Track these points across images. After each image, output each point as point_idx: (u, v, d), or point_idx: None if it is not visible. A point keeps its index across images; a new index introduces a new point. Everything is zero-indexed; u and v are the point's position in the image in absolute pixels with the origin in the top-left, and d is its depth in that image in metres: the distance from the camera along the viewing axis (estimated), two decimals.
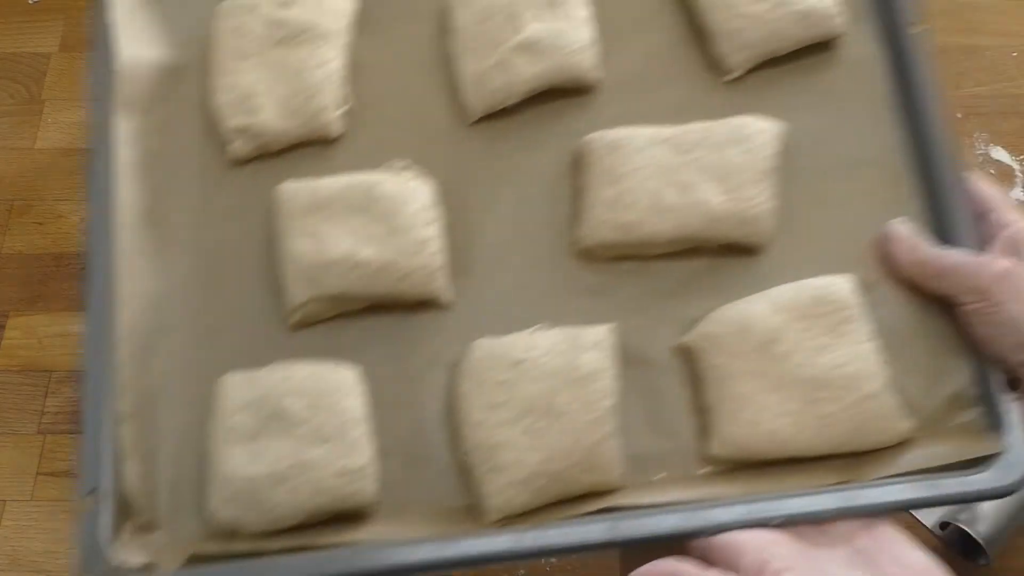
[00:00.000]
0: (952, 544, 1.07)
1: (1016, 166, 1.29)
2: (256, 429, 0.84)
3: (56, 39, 1.49)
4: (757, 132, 0.92)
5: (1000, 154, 1.30)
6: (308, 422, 0.84)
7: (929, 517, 1.09)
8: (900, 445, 0.85)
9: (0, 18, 1.36)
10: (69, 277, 1.37)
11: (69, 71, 1.49)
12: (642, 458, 0.86)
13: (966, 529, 1.04)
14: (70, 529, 0.84)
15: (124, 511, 0.85)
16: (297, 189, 0.92)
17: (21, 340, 1.35)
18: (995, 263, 0.85)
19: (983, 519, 1.05)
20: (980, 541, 1.03)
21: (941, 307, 0.89)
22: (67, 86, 1.48)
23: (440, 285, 0.90)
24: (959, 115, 1.32)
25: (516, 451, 0.83)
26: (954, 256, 0.87)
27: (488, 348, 0.87)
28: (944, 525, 1.07)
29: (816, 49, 0.98)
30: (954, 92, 1.33)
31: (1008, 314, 0.83)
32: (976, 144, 1.31)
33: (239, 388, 0.86)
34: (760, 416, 0.85)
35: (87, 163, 0.95)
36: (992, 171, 1.29)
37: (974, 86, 1.34)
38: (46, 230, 1.38)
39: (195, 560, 0.84)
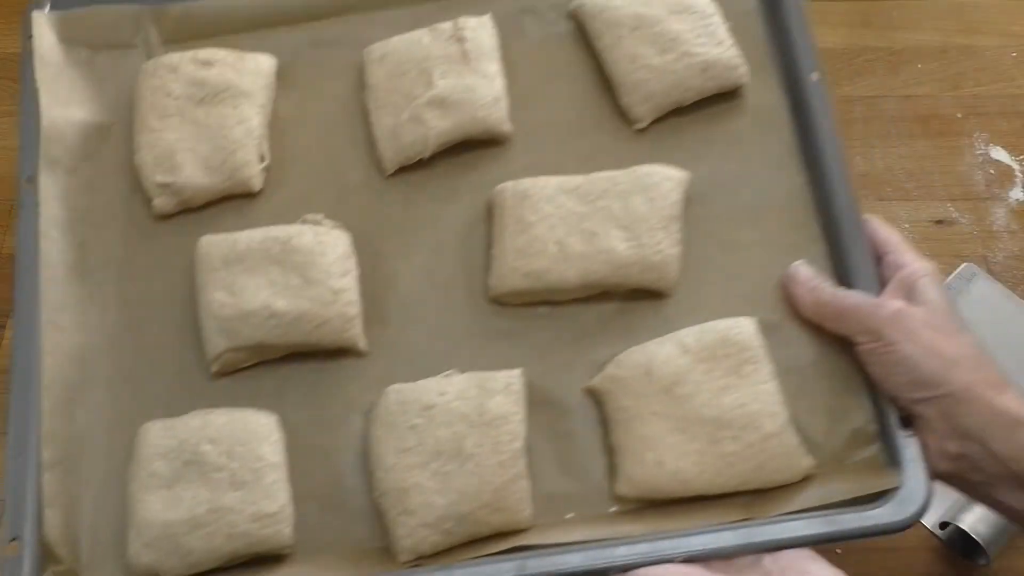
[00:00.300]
0: (952, 544, 1.08)
1: (1016, 166, 1.30)
2: (174, 476, 0.88)
3: None
4: (661, 180, 0.96)
5: (1000, 154, 1.31)
6: (225, 468, 0.88)
7: (929, 517, 1.09)
8: (802, 482, 0.89)
9: (0, 18, 1.38)
10: None
11: None
12: (552, 498, 0.90)
13: (966, 529, 1.04)
14: None
15: (46, 558, 0.89)
16: (216, 242, 0.96)
17: None
18: (888, 304, 0.89)
19: (983, 519, 1.03)
20: (980, 541, 1.04)
21: (842, 347, 0.93)
22: None
23: (355, 333, 0.94)
24: (959, 115, 1.33)
25: (426, 494, 0.87)
26: (852, 298, 0.91)
27: (400, 394, 0.91)
28: (944, 525, 1.08)
29: (721, 98, 1.03)
30: (954, 92, 1.35)
31: (901, 353, 0.87)
32: (976, 144, 1.31)
33: (158, 436, 0.90)
34: (664, 456, 0.88)
35: (16, 221, 0.99)
36: (992, 171, 1.30)
37: (974, 86, 1.35)
38: None
39: None
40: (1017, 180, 1.30)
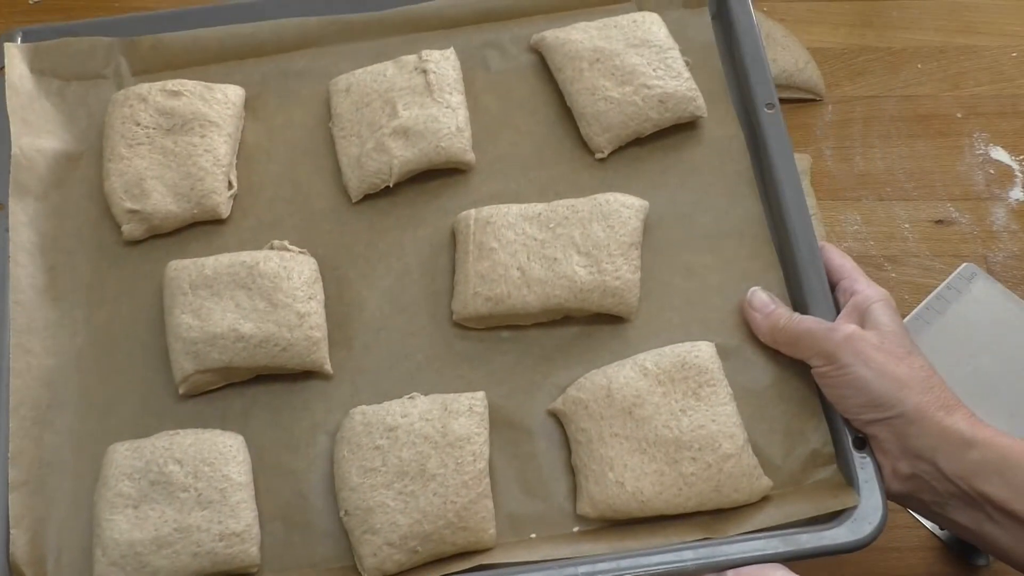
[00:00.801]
0: (952, 544, 1.10)
1: (1016, 166, 1.32)
2: (140, 496, 0.92)
3: None
4: (620, 208, 1.00)
5: (1000, 154, 1.32)
6: (191, 488, 0.92)
7: None
8: (760, 502, 0.93)
9: (0, 18, 1.40)
10: None
11: None
12: (516, 518, 0.95)
13: None
14: None
15: None
16: (184, 267, 1.00)
17: None
18: (842, 329, 0.93)
19: None
20: None
21: (798, 370, 0.97)
22: None
23: (321, 356, 0.98)
24: (959, 115, 1.35)
25: (390, 513, 0.91)
26: (806, 322, 0.95)
27: (365, 415, 0.95)
28: None
29: (680, 129, 1.07)
30: (954, 92, 1.36)
31: (854, 376, 0.91)
32: (976, 144, 1.33)
33: (125, 456, 0.94)
34: (625, 477, 0.92)
35: None
36: (992, 171, 1.31)
37: (974, 86, 1.36)
38: None
39: None
40: (1017, 180, 1.32)
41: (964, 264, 1.26)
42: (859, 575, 1.09)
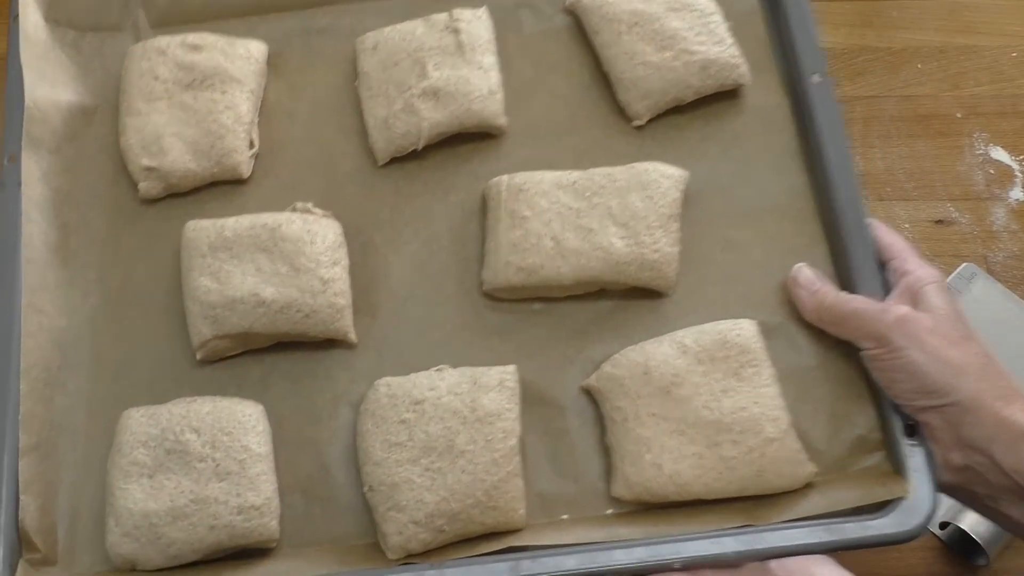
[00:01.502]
0: (952, 544, 1.08)
1: (1016, 166, 1.30)
2: (156, 464, 0.88)
3: None
4: (660, 178, 0.96)
5: (1000, 154, 1.30)
6: (208, 458, 0.88)
7: None
8: (804, 488, 0.89)
9: (0, 19, 1.37)
10: None
11: None
12: (547, 498, 0.90)
13: (966, 529, 1.04)
14: None
15: (21, 546, 0.88)
16: (203, 227, 0.95)
17: None
18: (894, 310, 0.88)
19: (983, 519, 1.03)
20: (980, 541, 1.04)
21: (845, 352, 0.92)
22: None
23: (345, 324, 0.94)
24: (959, 115, 1.33)
25: (416, 490, 0.86)
26: (855, 302, 0.91)
27: (390, 387, 0.91)
28: (944, 525, 1.08)
29: (721, 97, 1.03)
30: (954, 92, 1.34)
31: (907, 360, 0.86)
32: (976, 144, 1.31)
33: (140, 423, 0.89)
34: (662, 458, 0.88)
35: None
36: (992, 171, 1.29)
37: (974, 86, 1.35)
38: None
39: None
40: (1017, 180, 1.30)
41: (964, 264, 1.24)
42: (859, 575, 1.06)
